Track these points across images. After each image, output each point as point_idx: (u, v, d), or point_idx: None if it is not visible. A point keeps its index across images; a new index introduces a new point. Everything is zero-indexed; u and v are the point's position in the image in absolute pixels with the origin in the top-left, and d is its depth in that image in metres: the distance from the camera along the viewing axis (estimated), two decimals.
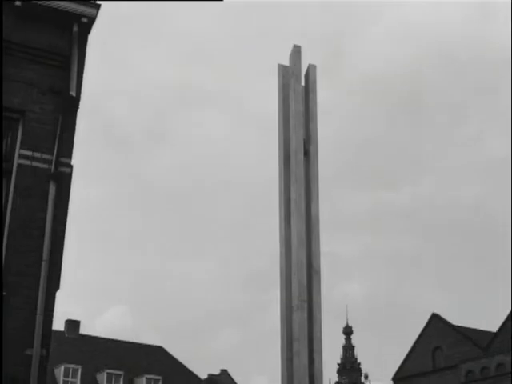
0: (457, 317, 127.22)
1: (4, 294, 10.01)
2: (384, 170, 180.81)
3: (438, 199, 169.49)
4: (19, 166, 10.84)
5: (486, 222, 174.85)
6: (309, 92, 6.09)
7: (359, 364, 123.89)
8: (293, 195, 5.49)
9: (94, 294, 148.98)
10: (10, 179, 10.78)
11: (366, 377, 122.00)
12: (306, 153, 5.70)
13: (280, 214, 5.58)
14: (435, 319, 61.79)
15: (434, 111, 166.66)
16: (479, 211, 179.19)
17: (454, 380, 52.90)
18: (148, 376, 55.99)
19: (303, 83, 6.31)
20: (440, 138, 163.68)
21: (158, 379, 56.09)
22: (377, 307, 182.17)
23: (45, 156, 10.99)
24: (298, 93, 5.98)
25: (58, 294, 11.07)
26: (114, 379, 54.61)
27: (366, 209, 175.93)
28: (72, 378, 52.96)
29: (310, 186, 5.60)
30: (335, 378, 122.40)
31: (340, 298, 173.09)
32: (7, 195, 10.69)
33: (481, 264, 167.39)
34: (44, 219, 10.70)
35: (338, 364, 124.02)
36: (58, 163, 11.00)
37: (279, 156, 5.73)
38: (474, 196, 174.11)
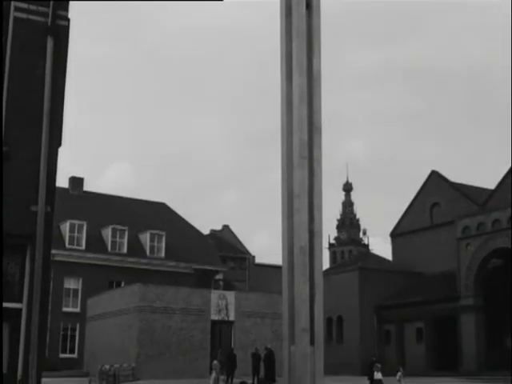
0: (456, 174, 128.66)
1: (6, 149, 9.99)
2: (387, 27, 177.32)
3: (441, 59, 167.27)
4: (15, 19, 10.58)
5: (489, 82, 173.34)
6: None
7: (358, 220, 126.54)
8: (294, 50, 5.37)
9: (96, 151, 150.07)
10: (7, 34, 10.55)
11: (365, 232, 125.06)
12: (308, 5, 5.54)
13: (281, 69, 5.48)
14: (434, 176, 62.54)
15: None
16: (482, 71, 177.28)
17: (450, 236, 54.13)
18: (152, 231, 57.38)
19: None
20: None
21: (162, 234, 57.50)
22: (378, 165, 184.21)
23: (41, 9, 10.71)
24: None
25: (61, 151, 11.13)
26: (118, 234, 56.00)
27: (369, 66, 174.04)
28: (78, 233, 54.31)
29: (311, 39, 5.45)
30: (334, 233, 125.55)
31: (341, 156, 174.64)
32: (5, 50, 10.49)
33: (482, 123, 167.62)
34: (43, 73, 10.54)
35: (338, 220, 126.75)
36: (55, 16, 10.73)
37: (280, 9, 5.56)
38: (477, 57, 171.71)
